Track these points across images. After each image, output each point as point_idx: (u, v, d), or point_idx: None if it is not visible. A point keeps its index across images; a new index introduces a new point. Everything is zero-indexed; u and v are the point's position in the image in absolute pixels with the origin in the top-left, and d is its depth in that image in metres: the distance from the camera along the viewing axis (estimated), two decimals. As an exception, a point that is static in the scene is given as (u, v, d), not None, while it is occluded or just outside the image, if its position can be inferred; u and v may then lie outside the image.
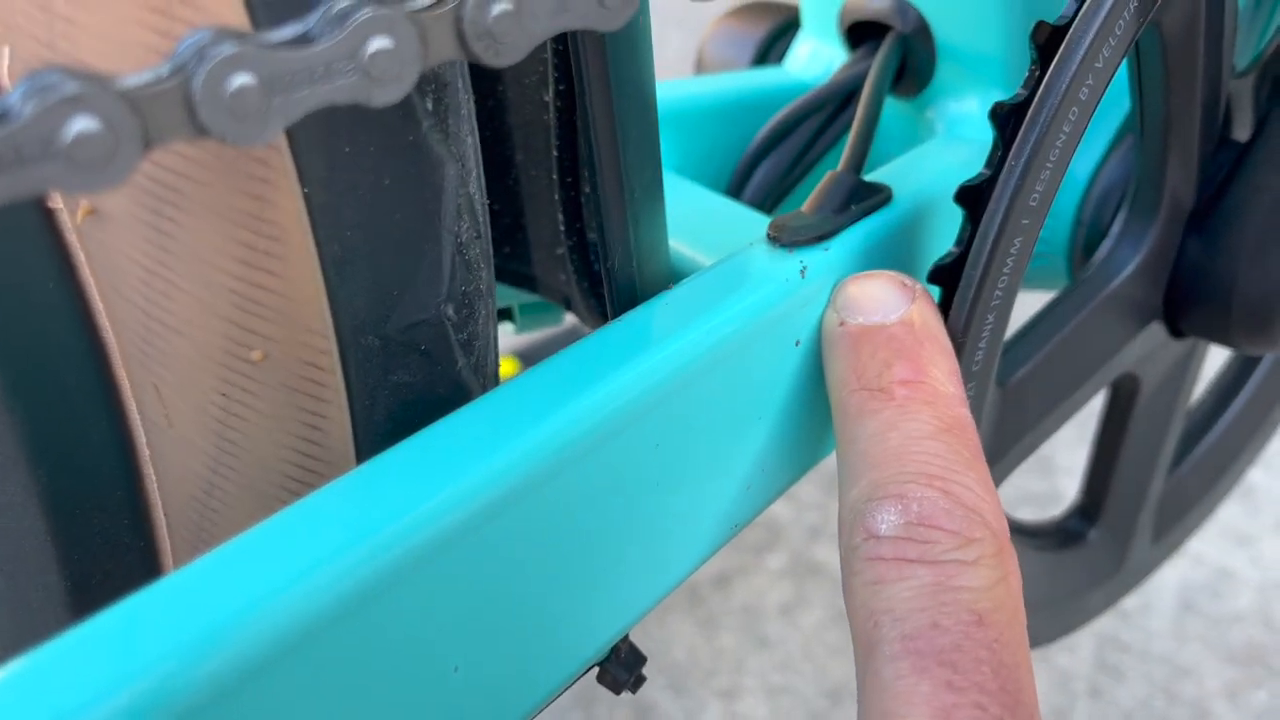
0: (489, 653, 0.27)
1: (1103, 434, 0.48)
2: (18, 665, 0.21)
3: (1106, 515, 0.50)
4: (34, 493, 0.27)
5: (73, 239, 0.25)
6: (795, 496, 1.08)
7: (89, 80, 0.17)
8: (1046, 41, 0.32)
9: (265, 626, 0.22)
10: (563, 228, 0.37)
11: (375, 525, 0.25)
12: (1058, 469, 1.08)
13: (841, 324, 0.33)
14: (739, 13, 0.57)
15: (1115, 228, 0.41)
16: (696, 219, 0.40)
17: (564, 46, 0.33)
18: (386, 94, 0.20)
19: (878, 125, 0.40)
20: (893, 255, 0.37)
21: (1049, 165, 0.32)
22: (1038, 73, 0.33)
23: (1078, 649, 0.96)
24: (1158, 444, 0.49)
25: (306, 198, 0.25)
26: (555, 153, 0.35)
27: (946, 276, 0.34)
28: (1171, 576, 1.02)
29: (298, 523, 0.25)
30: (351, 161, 0.25)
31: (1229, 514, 1.07)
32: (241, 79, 0.19)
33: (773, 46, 0.56)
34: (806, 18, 0.51)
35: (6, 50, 0.23)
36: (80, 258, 0.25)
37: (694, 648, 0.94)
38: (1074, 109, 0.32)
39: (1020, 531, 0.47)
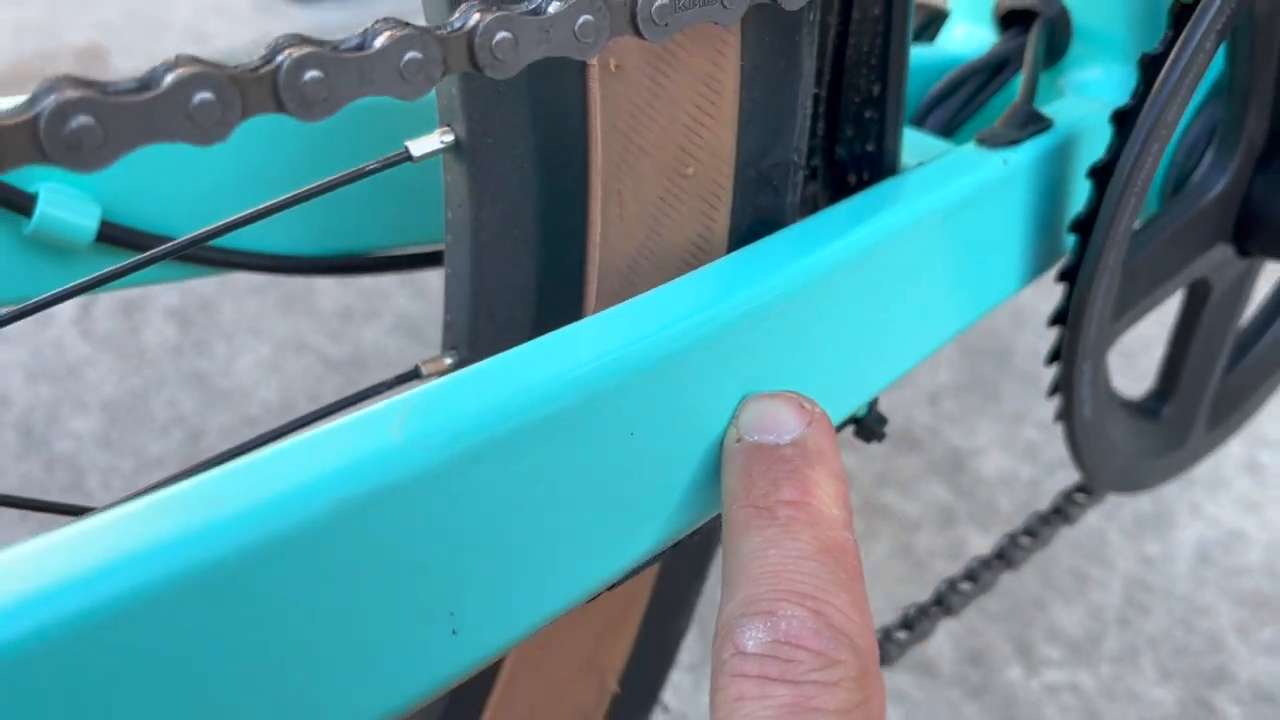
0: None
1: (1179, 329, 0.63)
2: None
3: (1175, 399, 0.64)
4: (534, 256, 0.42)
5: (593, 85, 0.39)
6: (862, 449, 1.23)
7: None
8: (1181, 11, 0.48)
9: (663, 342, 0.35)
10: (821, 132, 0.52)
11: (741, 285, 0.39)
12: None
13: (739, 440, 0.35)
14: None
15: (1206, 160, 0.56)
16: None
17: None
18: (587, 52, 0.32)
19: (1040, 76, 0.55)
20: (1056, 163, 0.52)
21: (1180, 96, 0.47)
22: (1172, 34, 0.48)
23: (1108, 587, 1.11)
24: (1218, 345, 0.64)
25: (741, 68, 0.40)
26: (828, 76, 0.50)
27: (1101, 174, 0.49)
28: (1190, 534, 1.17)
29: (693, 284, 0.39)
30: (770, 46, 0.40)
31: (1241, 486, 1.22)
32: (502, 34, 0.31)
33: (921, 34, 0.71)
34: (959, 5, 0.66)
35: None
36: (594, 97, 0.40)
37: (779, 565, 1.08)
38: (1200, 57, 0.47)
39: (1119, 403, 0.62)
